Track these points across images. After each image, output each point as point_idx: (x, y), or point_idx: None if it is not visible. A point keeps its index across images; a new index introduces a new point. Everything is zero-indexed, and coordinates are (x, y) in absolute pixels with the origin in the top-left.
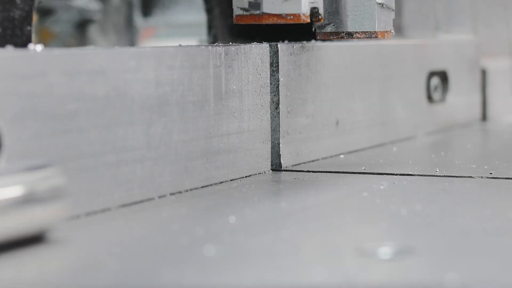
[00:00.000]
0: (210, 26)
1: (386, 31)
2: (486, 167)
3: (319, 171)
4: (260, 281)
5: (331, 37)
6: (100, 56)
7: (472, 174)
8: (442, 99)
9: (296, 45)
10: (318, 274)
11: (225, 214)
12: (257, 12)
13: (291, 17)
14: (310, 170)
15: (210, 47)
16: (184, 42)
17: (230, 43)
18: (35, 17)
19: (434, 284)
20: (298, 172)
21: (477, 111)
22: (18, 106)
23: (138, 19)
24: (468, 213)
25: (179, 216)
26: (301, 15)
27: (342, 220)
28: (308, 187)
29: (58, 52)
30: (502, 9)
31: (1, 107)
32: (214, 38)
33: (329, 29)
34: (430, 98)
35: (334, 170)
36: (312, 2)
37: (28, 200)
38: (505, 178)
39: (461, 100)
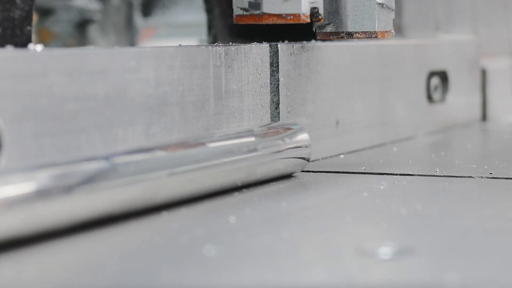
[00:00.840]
0: (210, 26)
1: (386, 31)
2: (486, 167)
3: (319, 171)
4: (260, 281)
5: (331, 37)
6: (100, 56)
7: (472, 174)
8: (442, 99)
9: (296, 45)
10: (318, 274)
11: (225, 214)
12: (257, 12)
13: (291, 17)
14: (310, 170)
15: (210, 47)
16: (184, 42)
17: (230, 43)
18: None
19: (434, 284)
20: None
21: (477, 111)
22: (18, 106)
23: (138, 19)
24: (468, 213)
25: (179, 216)
26: (301, 15)
27: (342, 220)
28: (308, 187)
29: (58, 52)
30: (502, 9)
31: (1, 107)
32: (214, 38)
33: (329, 29)
34: (430, 98)
35: (334, 170)
36: (312, 2)
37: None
38: (505, 178)
39: (461, 100)
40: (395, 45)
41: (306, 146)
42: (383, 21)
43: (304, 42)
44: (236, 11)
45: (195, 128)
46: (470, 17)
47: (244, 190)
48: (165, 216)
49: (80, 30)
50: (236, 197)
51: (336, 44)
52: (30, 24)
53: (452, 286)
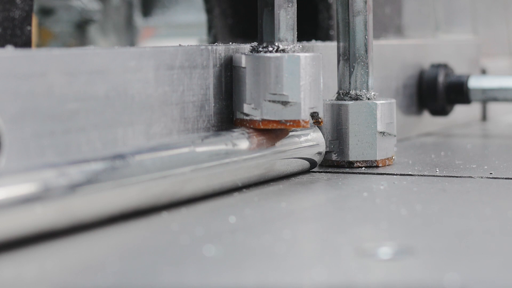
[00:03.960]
0: (210, 26)
1: (387, 158)
2: (486, 167)
3: (319, 171)
4: (260, 281)
5: (333, 164)
6: (100, 56)
7: (472, 174)
8: None
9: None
10: (318, 274)
11: (225, 214)
12: (257, 117)
13: (291, 123)
14: (310, 170)
15: (210, 47)
16: (184, 42)
17: (230, 43)
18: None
19: (434, 284)
20: None
21: (477, 111)
22: (18, 106)
23: (138, 19)
24: (468, 213)
25: (179, 216)
26: (301, 121)
27: (342, 220)
28: (308, 187)
29: (58, 52)
30: (502, 9)
31: (1, 107)
32: (214, 38)
33: (331, 157)
34: None
35: (334, 170)
36: (312, 108)
37: None
38: (505, 178)
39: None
40: (395, 45)
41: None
42: (384, 149)
43: (304, 42)
44: (236, 115)
45: (195, 128)
46: (470, 17)
47: (244, 190)
48: (165, 216)
49: (80, 30)
50: (236, 197)
51: (336, 44)
52: (30, 24)
53: (452, 286)
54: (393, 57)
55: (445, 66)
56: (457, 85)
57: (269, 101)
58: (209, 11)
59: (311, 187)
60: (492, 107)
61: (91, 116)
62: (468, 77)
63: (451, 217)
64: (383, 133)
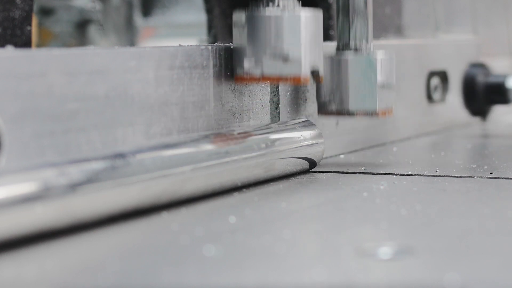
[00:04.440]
0: (210, 26)
1: (387, 110)
2: (486, 167)
3: (319, 171)
4: (260, 281)
5: (333, 114)
6: (100, 56)
7: (472, 174)
8: (442, 99)
9: None
10: (318, 274)
11: (225, 214)
12: (257, 73)
13: (291, 79)
14: (310, 170)
15: (210, 47)
16: (184, 42)
17: (230, 43)
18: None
19: (434, 284)
20: None
21: None
22: (18, 106)
23: (138, 19)
24: (468, 213)
25: (179, 216)
26: (301, 77)
27: (342, 220)
28: (308, 187)
29: (58, 52)
30: (502, 9)
31: (1, 107)
32: (214, 38)
33: (331, 107)
34: (430, 98)
35: (334, 170)
36: (312, 65)
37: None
38: (505, 178)
39: (461, 100)
40: (395, 45)
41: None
42: (384, 100)
43: None
44: (237, 71)
45: (195, 128)
46: (470, 17)
47: (244, 190)
48: (165, 216)
49: (80, 30)
50: (236, 197)
51: (336, 44)
52: (30, 24)
53: (452, 286)
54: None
55: (483, 66)
56: (496, 86)
57: (270, 57)
58: (209, 11)
59: (311, 187)
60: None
61: (91, 116)
62: (506, 77)
63: (451, 217)
64: (383, 85)
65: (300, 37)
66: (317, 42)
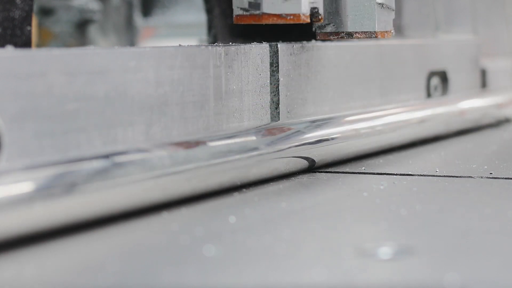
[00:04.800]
0: (210, 26)
1: (386, 31)
2: (486, 167)
3: (319, 171)
4: (260, 281)
5: (331, 37)
6: (100, 56)
7: (472, 174)
8: None
9: (296, 45)
10: (318, 274)
11: (225, 214)
12: (257, 12)
13: (291, 17)
14: (310, 170)
15: (210, 47)
16: (184, 42)
17: (230, 43)
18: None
19: (434, 284)
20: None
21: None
22: (18, 106)
23: (138, 19)
24: (468, 213)
25: (179, 216)
26: (301, 15)
27: (342, 220)
28: (308, 187)
29: (58, 52)
30: (502, 9)
31: (1, 107)
32: (214, 38)
33: (329, 29)
34: (430, 98)
35: (334, 170)
36: (312, 2)
37: None
38: (505, 178)
39: None
40: (395, 45)
41: None
42: (383, 21)
43: (304, 42)
44: (236, 11)
45: (195, 128)
46: (470, 17)
47: (244, 190)
48: (165, 216)
49: (80, 30)
50: (236, 197)
51: (336, 44)
52: (30, 24)
53: (452, 286)
54: (393, 57)
55: None
56: None
57: None
58: (209, 11)
59: (311, 187)
60: None
61: (91, 116)
62: None
63: (451, 217)
64: (382, 4)
65: None
66: None
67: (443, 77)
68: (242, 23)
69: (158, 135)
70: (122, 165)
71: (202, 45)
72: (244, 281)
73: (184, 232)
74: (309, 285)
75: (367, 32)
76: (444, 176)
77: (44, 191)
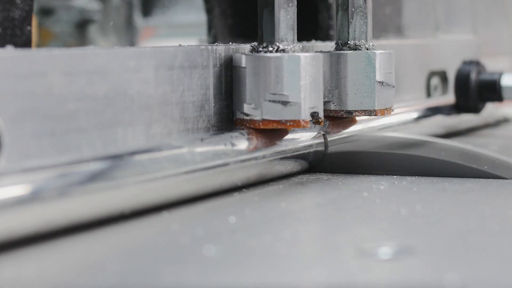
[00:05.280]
0: (210, 26)
1: (386, 108)
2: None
3: (319, 171)
4: (260, 281)
5: (331, 114)
6: (100, 56)
7: None
8: None
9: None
10: (318, 274)
11: (225, 214)
12: (257, 118)
13: (291, 123)
14: (310, 169)
15: (210, 47)
16: (184, 42)
17: (230, 43)
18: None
19: (434, 284)
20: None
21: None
22: (18, 106)
23: (138, 19)
24: (468, 213)
25: (179, 216)
26: (301, 120)
27: (342, 220)
28: (308, 187)
29: (58, 52)
30: (502, 9)
31: (1, 107)
32: (214, 38)
33: (329, 107)
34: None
35: (334, 170)
36: (312, 108)
37: None
38: (505, 178)
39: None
40: (395, 45)
41: None
42: (383, 98)
43: (304, 42)
44: (237, 114)
45: (195, 128)
46: (470, 17)
47: (244, 190)
48: (165, 216)
49: (80, 30)
50: (236, 197)
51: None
52: (30, 24)
53: (452, 286)
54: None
55: (477, 63)
56: (489, 83)
57: (269, 101)
58: (209, 11)
59: (311, 187)
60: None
61: (91, 116)
62: (500, 74)
63: (451, 217)
64: (381, 83)
65: (300, 79)
66: (317, 84)
67: (443, 77)
68: (242, 127)
69: (158, 135)
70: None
71: (202, 45)
72: (244, 281)
73: (184, 232)
74: (309, 285)
75: (366, 110)
76: (444, 176)
77: (44, 192)
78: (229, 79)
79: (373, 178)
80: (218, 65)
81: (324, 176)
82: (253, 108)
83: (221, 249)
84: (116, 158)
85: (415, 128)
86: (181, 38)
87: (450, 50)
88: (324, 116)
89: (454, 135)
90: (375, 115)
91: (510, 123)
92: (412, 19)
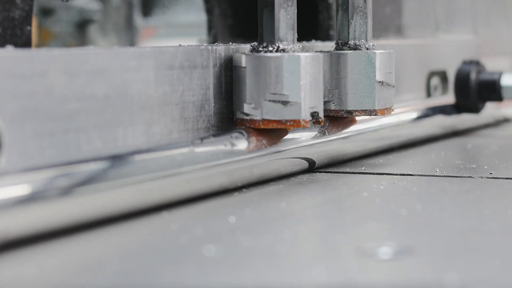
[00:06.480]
0: (210, 26)
1: (386, 108)
2: (486, 167)
3: (319, 171)
4: (260, 281)
5: (331, 114)
6: (100, 56)
7: (472, 174)
8: None
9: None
10: (318, 274)
11: (225, 214)
12: (257, 118)
13: (291, 122)
14: (310, 170)
15: (210, 47)
16: (184, 42)
17: (230, 43)
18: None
19: (434, 284)
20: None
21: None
22: (18, 106)
23: (138, 19)
24: (468, 213)
25: (179, 216)
26: (301, 120)
27: (342, 220)
28: (308, 187)
29: (58, 52)
30: (502, 9)
31: (1, 107)
32: (214, 38)
33: (329, 107)
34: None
35: (334, 170)
36: (312, 107)
37: None
38: (505, 178)
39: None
40: (395, 45)
41: None
42: (383, 98)
43: (304, 42)
44: (237, 115)
45: (195, 128)
46: (470, 17)
47: (244, 190)
48: (165, 216)
49: (80, 30)
50: (236, 197)
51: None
52: (30, 24)
53: (452, 286)
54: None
55: (477, 63)
56: (489, 83)
57: (270, 100)
58: (209, 11)
59: (311, 187)
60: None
61: (91, 116)
62: (500, 74)
63: (451, 217)
64: (382, 82)
65: (300, 79)
66: (317, 83)
67: (443, 77)
68: (242, 127)
69: (158, 135)
70: (122, 166)
71: (202, 45)
72: (244, 281)
73: (184, 232)
74: (309, 285)
75: (366, 110)
76: (444, 176)
77: (44, 192)
78: (229, 79)
79: (373, 178)
80: (218, 65)
81: (324, 176)
82: (253, 108)
83: (221, 249)
84: (116, 158)
85: (415, 128)
86: (181, 38)
87: (450, 50)
88: (324, 116)
89: (454, 135)
90: (375, 115)
91: (510, 123)
92: (412, 19)
